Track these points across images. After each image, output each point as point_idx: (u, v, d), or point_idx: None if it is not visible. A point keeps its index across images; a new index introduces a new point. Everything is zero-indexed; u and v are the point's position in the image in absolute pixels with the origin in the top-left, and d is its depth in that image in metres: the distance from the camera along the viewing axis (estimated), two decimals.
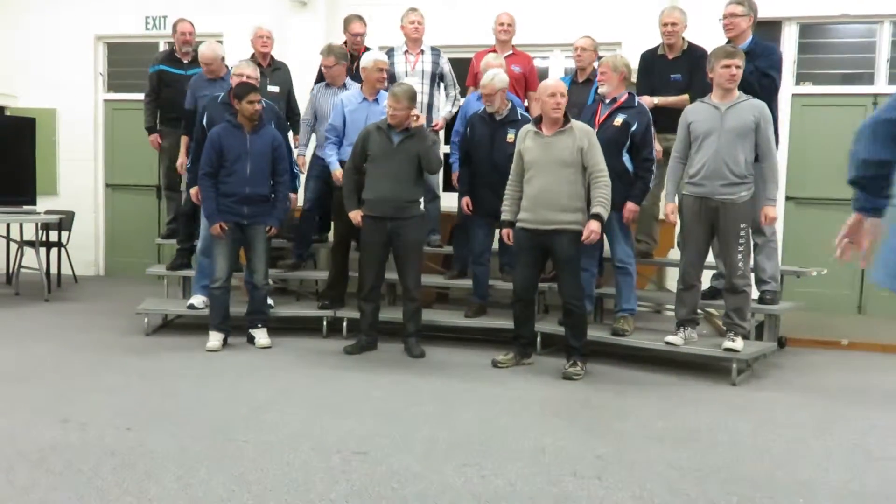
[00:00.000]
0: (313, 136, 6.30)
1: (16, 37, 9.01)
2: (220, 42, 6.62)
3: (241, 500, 2.86)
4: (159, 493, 2.90)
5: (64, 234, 8.10)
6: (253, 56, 6.44)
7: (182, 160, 6.20)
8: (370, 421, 3.83)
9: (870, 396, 4.58)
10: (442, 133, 6.72)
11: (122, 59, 9.09)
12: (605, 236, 5.24)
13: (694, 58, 5.50)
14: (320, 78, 6.27)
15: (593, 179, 4.73)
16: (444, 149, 6.69)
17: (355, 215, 5.31)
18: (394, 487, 3.00)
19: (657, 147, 5.27)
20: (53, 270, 7.94)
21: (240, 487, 2.97)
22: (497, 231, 5.36)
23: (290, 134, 6.22)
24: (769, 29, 7.21)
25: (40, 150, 8.25)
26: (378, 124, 5.26)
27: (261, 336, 5.48)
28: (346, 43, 6.52)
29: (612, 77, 5.09)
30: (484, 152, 5.43)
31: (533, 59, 6.61)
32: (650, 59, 5.72)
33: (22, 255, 7.86)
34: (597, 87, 5.32)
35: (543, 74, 7.67)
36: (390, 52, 6.31)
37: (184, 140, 6.16)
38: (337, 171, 5.70)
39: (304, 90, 6.62)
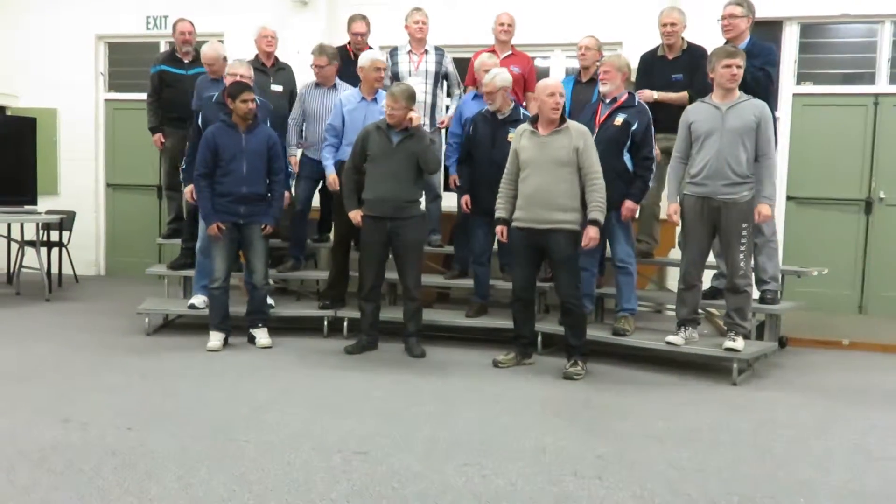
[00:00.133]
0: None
1: (17, 37, 9.02)
2: (221, 42, 6.63)
3: (241, 500, 2.86)
4: (160, 493, 2.90)
5: (65, 233, 8.11)
6: (257, 56, 6.46)
7: None
8: (371, 421, 3.83)
9: (871, 396, 4.58)
10: (443, 132, 6.72)
11: (123, 59, 9.10)
12: (605, 236, 5.25)
13: (694, 57, 5.50)
14: None
15: (588, 182, 4.73)
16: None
17: (355, 215, 5.31)
18: (394, 487, 3.00)
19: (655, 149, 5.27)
20: (54, 270, 7.95)
21: (241, 487, 2.97)
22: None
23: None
24: (770, 29, 7.22)
25: (41, 149, 8.26)
26: (377, 124, 5.26)
27: (261, 336, 5.48)
28: (349, 42, 6.52)
29: (615, 76, 5.09)
30: (485, 151, 5.43)
31: (533, 60, 6.61)
32: (650, 61, 5.72)
33: (23, 255, 7.86)
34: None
35: (544, 74, 7.68)
36: (394, 51, 6.31)
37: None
38: (331, 177, 5.72)
39: None
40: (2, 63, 9.02)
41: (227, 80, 5.46)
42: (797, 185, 7.50)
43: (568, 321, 4.88)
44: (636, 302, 5.37)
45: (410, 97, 5.19)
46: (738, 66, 4.64)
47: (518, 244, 4.90)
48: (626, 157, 5.09)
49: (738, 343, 4.79)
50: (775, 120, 5.03)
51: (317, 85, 6.08)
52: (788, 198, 7.49)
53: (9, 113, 8.88)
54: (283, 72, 6.48)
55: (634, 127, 5.02)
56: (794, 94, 7.47)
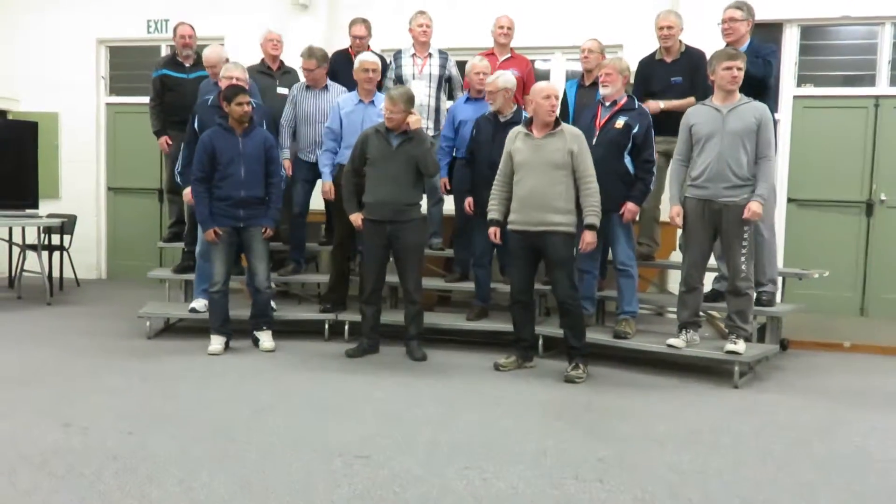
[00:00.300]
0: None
1: (18, 41, 9.04)
2: (222, 45, 6.64)
3: None
4: (161, 497, 2.90)
5: (66, 237, 8.11)
6: (263, 60, 6.47)
7: None
8: (372, 424, 3.83)
9: (872, 399, 4.58)
10: None
11: (124, 63, 9.11)
12: (606, 239, 5.25)
13: (693, 60, 5.50)
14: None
15: (582, 186, 4.75)
16: None
17: (356, 218, 5.32)
18: (395, 491, 3.00)
19: None
20: (56, 274, 7.95)
21: (242, 490, 2.97)
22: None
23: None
24: (770, 31, 7.22)
25: (42, 153, 8.27)
26: (377, 127, 5.26)
27: (265, 339, 5.48)
28: (351, 46, 6.54)
29: (616, 79, 5.10)
30: (486, 153, 5.43)
31: (532, 63, 6.61)
32: (648, 65, 5.73)
33: (24, 259, 7.87)
34: None
35: (545, 77, 7.69)
36: (398, 54, 6.31)
37: None
38: (326, 185, 5.74)
39: None
40: (3, 67, 9.04)
41: (223, 84, 5.46)
42: (798, 187, 7.50)
43: (567, 322, 4.88)
44: (637, 305, 5.37)
45: (409, 100, 5.20)
46: (739, 69, 4.64)
47: (514, 247, 4.91)
48: (627, 160, 5.10)
49: (740, 346, 4.78)
50: (775, 122, 5.04)
51: (308, 87, 6.07)
52: (789, 200, 7.49)
53: (10, 117, 8.90)
54: (288, 75, 6.49)
55: (635, 130, 5.03)
56: (795, 97, 7.47)
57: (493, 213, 4.99)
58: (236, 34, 8.18)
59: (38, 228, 7.49)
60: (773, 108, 5.22)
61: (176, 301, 6.47)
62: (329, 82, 6.07)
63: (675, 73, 5.57)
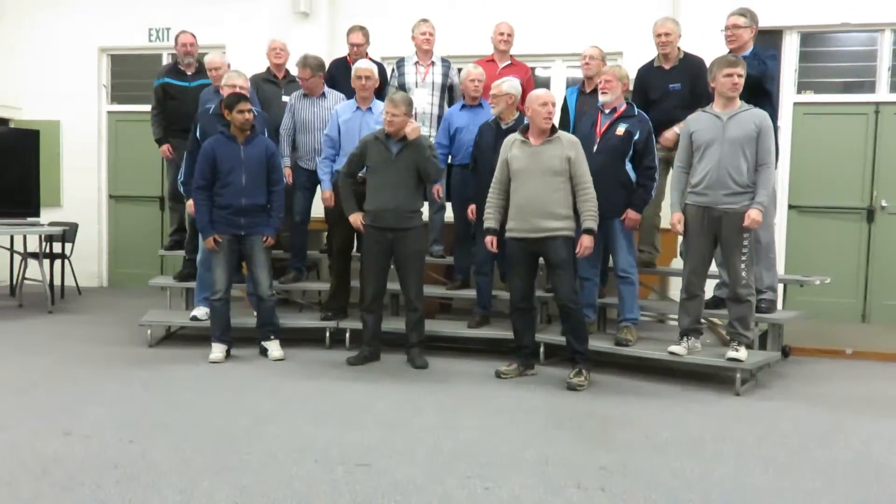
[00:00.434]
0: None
1: (20, 49, 9.07)
2: (224, 53, 6.66)
3: None
4: None
5: (67, 245, 8.12)
6: (269, 68, 6.49)
7: None
8: (373, 432, 3.82)
9: (875, 405, 4.57)
10: None
11: (126, 71, 9.14)
12: (607, 246, 5.25)
13: (692, 67, 5.51)
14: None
15: (579, 191, 4.75)
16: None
17: (356, 218, 5.31)
18: (397, 500, 2.99)
19: None
20: (57, 282, 7.95)
21: (243, 499, 2.96)
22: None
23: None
24: (770, 38, 7.23)
25: (44, 161, 8.29)
26: (376, 134, 5.27)
27: (273, 348, 5.47)
28: (349, 53, 6.55)
29: (615, 86, 5.11)
30: (488, 159, 5.43)
31: (532, 70, 6.62)
32: (647, 73, 5.73)
33: (26, 267, 7.88)
34: None
35: (545, 84, 7.71)
36: (400, 62, 6.33)
37: None
38: (326, 193, 5.75)
39: None
40: (5, 76, 9.07)
41: (224, 92, 5.48)
42: (798, 193, 7.50)
43: (568, 326, 4.87)
44: (638, 312, 5.37)
45: (410, 103, 5.22)
46: (739, 76, 4.65)
47: (514, 254, 4.90)
48: (629, 167, 5.10)
49: (741, 353, 4.77)
50: (777, 129, 5.04)
51: (305, 95, 6.08)
52: (790, 206, 7.50)
53: (12, 125, 8.92)
54: (293, 84, 6.50)
55: (637, 136, 5.04)
56: (795, 103, 7.48)
57: (489, 221, 4.99)
58: (237, 42, 8.22)
59: (40, 236, 7.50)
60: (775, 115, 5.22)
61: (177, 309, 6.47)
62: (327, 90, 6.08)
63: (673, 79, 5.58)
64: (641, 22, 7.03)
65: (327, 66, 6.33)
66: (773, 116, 5.08)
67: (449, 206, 6.29)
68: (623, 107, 5.12)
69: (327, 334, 5.86)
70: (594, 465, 3.40)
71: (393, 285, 5.54)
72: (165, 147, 6.76)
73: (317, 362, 5.37)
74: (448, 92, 6.36)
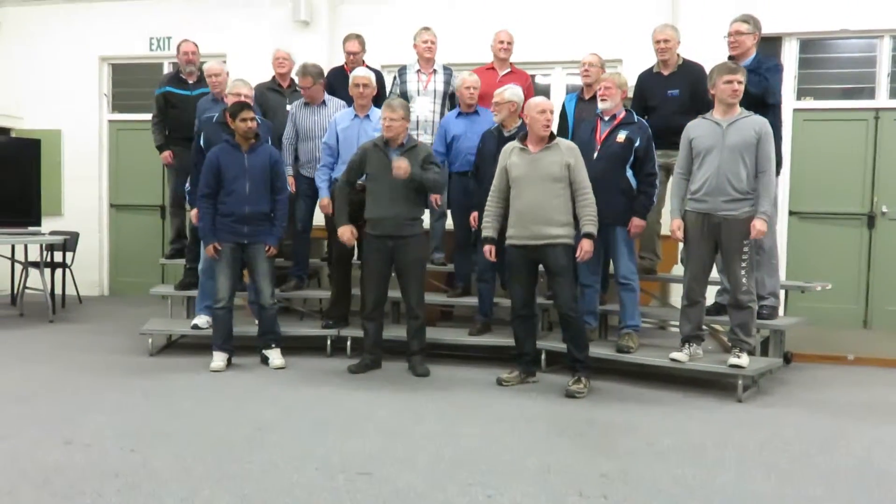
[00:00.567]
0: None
1: (21, 59, 9.11)
2: (224, 62, 6.68)
3: None
4: None
5: (68, 254, 8.12)
6: (274, 77, 6.50)
7: None
8: (374, 440, 3.82)
9: (876, 412, 4.56)
10: None
11: (127, 80, 9.17)
12: (608, 252, 5.25)
13: (691, 73, 5.52)
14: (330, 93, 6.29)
15: (579, 197, 4.76)
16: None
17: (344, 231, 5.31)
18: None
19: None
20: (58, 291, 7.95)
21: None
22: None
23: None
24: (769, 45, 7.25)
25: (45, 171, 8.32)
26: (375, 142, 5.27)
27: (275, 357, 5.47)
28: (346, 62, 6.57)
29: (615, 93, 5.12)
30: (489, 167, 5.43)
31: (532, 78, 6.63)
32: (646, 79, 5.75)
33: (26, 276, 7.88)
34: None
35: (545, 92, 7.72)
36: (402, 70, 6.34)
37: None
38: (324, 200, 5.76)
39: None
40: (6, 85, 9.10)
41: (229, 100, 5.49)
42: (799, 199, 7.51)
43: (568, 334, 4.87)
44: (639, 318, 5.36)
45: (408, 108, 5.26)
46: (739, 82, 4.65)
47: (514, 261, 4.91)
48: (629, 174, 5.11)
49: (743, 359, 4.77)
50: (780, 139, 5.03)
51: (306, 104, 6.09)
52: (790, 213, 7.50)
53: (13, 134, 8.95)
54: (298, 93, 6.51)
55: (637, 143, 5.04)
56: (795, 110, 7.50)
57: (488, 230, 4.99)
58: (238, 51, 8.26)
59: (41, 245, 7.51)
60: (779, 125, 5.21)
61: (178, 318, 6.46)
62: (327, 97, 6.09)
63: (671, 85, 5.58)
64: (641, 29, 7.06)
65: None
66: (778, 126, 5.08)
67: (450, 213, 6.29)
68: (622, 114, 5.14)
69: (328, 342, 5.86)
70: (596, 473, 3.39)
71: (394, 293, 5.54)
72: (166, 153, 6.77)
73: (318, 370, 5.37)
74: (450, 100, 6.37)
